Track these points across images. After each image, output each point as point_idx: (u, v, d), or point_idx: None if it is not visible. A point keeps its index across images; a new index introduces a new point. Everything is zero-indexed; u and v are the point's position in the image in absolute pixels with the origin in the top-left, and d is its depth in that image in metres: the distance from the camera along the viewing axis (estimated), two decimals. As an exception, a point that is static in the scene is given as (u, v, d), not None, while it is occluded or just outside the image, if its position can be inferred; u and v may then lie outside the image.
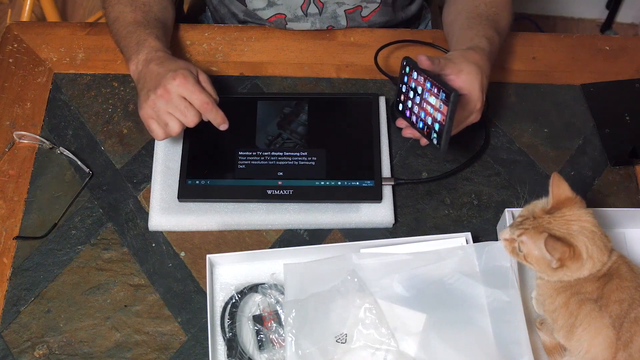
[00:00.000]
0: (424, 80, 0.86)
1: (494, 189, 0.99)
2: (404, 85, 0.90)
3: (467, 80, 0.88)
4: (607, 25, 2.25)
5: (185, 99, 0.87)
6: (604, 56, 1.12)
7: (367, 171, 0.96)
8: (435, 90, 0.84)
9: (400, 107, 0.92)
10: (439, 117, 0.85)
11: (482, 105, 0.91)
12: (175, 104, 0.87)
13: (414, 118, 0.89)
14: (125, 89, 1.06)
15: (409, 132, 0.94)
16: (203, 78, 0.91)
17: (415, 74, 0.88)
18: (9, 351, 0.86)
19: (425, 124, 0.87)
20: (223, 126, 0.92)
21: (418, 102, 0.88)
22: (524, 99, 1.07)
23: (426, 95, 0.86)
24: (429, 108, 0.86)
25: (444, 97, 0.83)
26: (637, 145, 1.00)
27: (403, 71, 0.90)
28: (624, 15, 2.25)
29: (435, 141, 0.87)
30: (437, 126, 0.85)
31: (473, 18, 0.99)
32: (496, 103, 1.06)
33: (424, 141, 0.91)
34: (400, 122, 0.94)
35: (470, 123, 0.93)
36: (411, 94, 0.89)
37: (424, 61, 0.85)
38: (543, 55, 1.11)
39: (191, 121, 0.88)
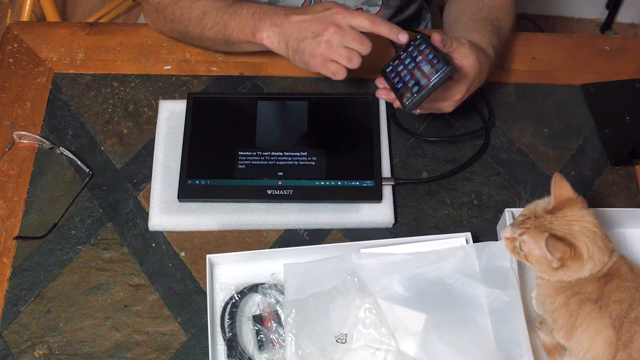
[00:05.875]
0: (429, 52, 0.87)
1: (494, 189, 0.99)
2: (404, 53, 0.91)
3: (465, 72, 0.88)
4: (607, 25, 2.25)
5: (353, 28, 0.88)
6: (604, 56, 1.11)
7: (367, 171, 0.96)
8: (435, 61, 0.85)
9: (389, 69, 0.92)
10: (423, 81, 0.86)
11: (460, 100, 0.91)
12: (350, 35, 0.87)
13: (396, 79, 0.90)
14: (125, 89, 1.06)
15: (383, 93, 0.92)
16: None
17: (423, 46, 0.89)
18: (9, 351, 0.86)
19: (405, 84, 0.88)
20: (402, 35, 0.88)
21: (410, 68, 0.88)
22: (524, 99, 1.07)
23: (423, 63, 0.87)
24: (417, 73, 0.87)
25: (440, 67, 0.84)
26: (637, 145, 1.00)
27: (412, 42, 0.91)
28: (624, 15, 2.25)
29: (405, 100, 0.87)
30: (415, 88, 0.86)
31: (478, 21, 0.99)
32: (496, 103, 1.06)
33: (397, 104, 0.90)
34: (379, 82, 0.93)
35: (440, 110, 0.93)
36: (407, 61, 0.90)
37: (437, 39, 0.86)
38: (543, 55, 1.11)
39: (367, 47, 0.88)
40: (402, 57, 0.91)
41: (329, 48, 0.87)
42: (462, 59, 0.88)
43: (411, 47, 0.90)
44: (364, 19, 0.88)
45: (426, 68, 0.86)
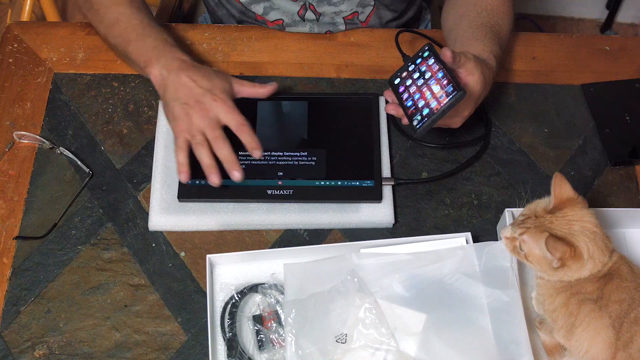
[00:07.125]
0: (438, 69, 0.87)
1: (494, 189, 0.99)
2: (412, 65, 0.90)
3: (471, 88, 0.88)
4: (607, 25, 2.26)
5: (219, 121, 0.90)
6: (604, 56, 1.12)
7: (367, 171, 0.96)
8: (445, 82, 0.85)
9: (397, 81, 0.92)
10: (433, 104, 0.86)
11: (468, 116, 0.91)
12: (210, 126, 0.89)
13: (405, 95, 0.90)
14: (125, 89, 1.06)
15: (392, 109, 0.92)
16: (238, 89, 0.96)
17: (432, 61, 0.88)
18: (9, 351, 0.86)
19: (415, 104, 0.88)
20: (257, 152, 0.90)
21: (420, 85, 0.88)
22: (524, 99, 1.07)
23: (432, 82, 0.87)
24: (427, 93, 0.87)
25: (450, 90, 0.84)
26: (637, 145, 1.01)
27: (420, 54, 0.90)
28: (624, 15, 2.26)
29: (415, 122, 0.87)
30: (426, 111, 0.86)
31: (477, 28, 0.98)
32: (496, 103, 1.06)
33: (405, 120, 0.90)
34: (388, 95, 0.93)
35: (448, 125, 0.93)
36: (416, 75, 0.89)
37: (447, 55, 0.85)
38: (543, 55, 1.11)
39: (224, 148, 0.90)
40: (410, 69, 0.90)
41: (189, 121, 0.89)
42: (467, 74, 0.87)
43: (419, 59, 0.90)
44: (232, 119, 0.89)
45: (435, 88, 0.86)
